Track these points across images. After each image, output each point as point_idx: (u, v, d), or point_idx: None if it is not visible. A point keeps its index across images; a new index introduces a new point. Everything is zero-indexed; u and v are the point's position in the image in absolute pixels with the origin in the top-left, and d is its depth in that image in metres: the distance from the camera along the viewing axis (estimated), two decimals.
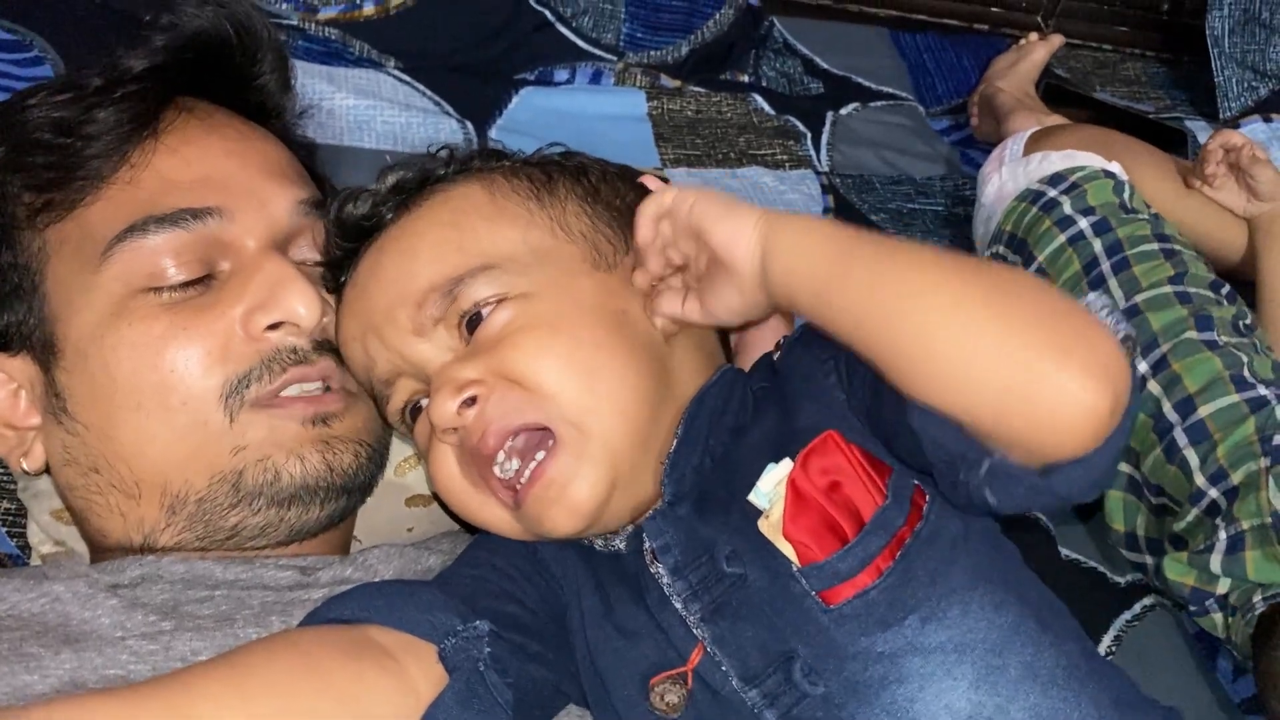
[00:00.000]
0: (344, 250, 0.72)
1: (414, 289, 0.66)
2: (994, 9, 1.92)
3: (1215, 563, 0.94)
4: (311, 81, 1.34)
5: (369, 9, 1.44)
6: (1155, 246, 1.14)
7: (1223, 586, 0.95)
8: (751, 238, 0.60)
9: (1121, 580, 1.10)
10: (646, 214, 0.64)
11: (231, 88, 0.80)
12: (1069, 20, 1.95)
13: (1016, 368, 0.52)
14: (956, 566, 0.59)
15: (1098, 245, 1.15)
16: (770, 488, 0.61)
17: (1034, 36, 1.68)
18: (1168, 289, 1.09)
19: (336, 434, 0.72)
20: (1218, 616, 0.97)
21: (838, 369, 0.63)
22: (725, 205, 0.62)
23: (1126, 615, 1.06)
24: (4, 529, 0.87)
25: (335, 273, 0.73)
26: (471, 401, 0.63)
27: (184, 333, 0.69)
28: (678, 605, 0.61)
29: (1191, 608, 0.98)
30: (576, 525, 0.63)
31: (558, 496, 0.62)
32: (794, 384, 0.65)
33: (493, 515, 0.65)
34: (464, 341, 0.65)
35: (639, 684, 0.62)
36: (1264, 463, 0.95)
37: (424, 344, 0.66)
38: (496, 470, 0.63)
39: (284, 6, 1.41)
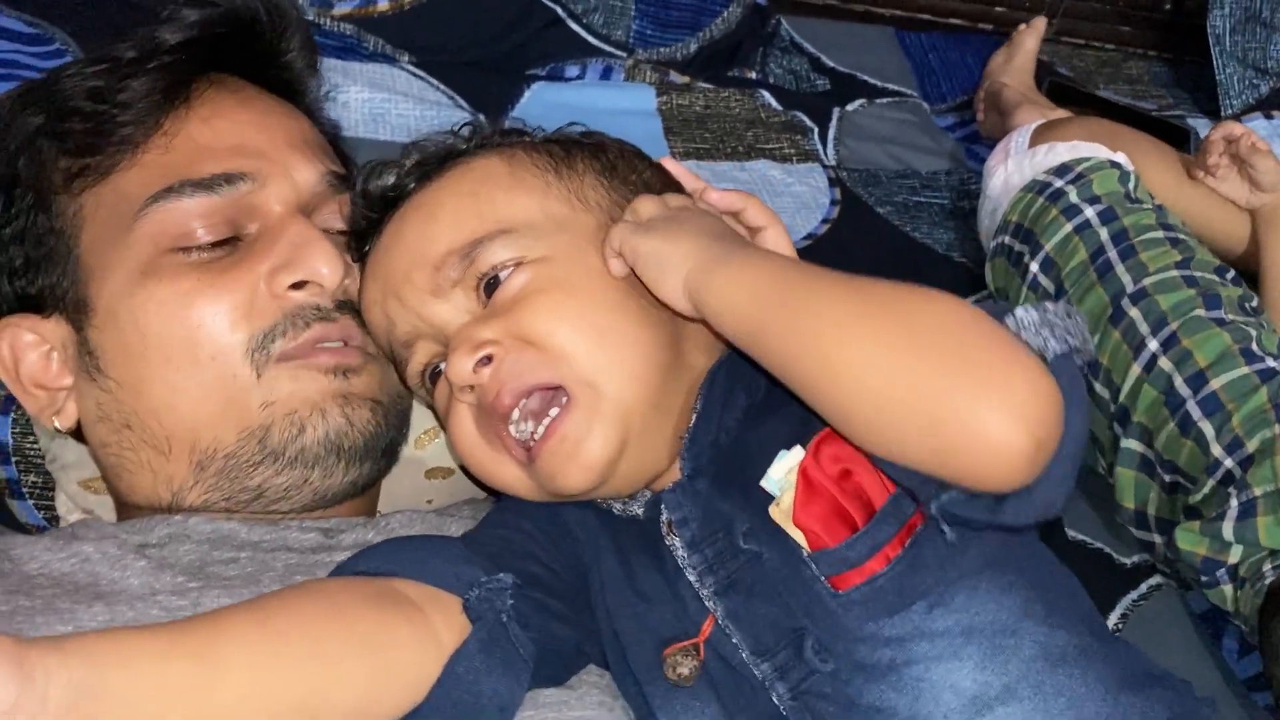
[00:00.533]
0: (369, 220, 0.74)
1: (433, 252, 0.67)
2: (998, 8, 1.94)
3: (1227, 530, 0.95)
4: (326, 75, 1.34)
5: (383, 5, 1.46)
6: (1161, 234, 1.16)
7: (1234, 555, 0.96)
8: (682, 298, 0.63)
9: (1128, 561, 1.11)
10: (608, 254, 0.66)
11: (260, 64, 0.83)
12: (1072, 20, 1.98)
13: (935, 416, 0.53)
14: (968, 554, 0.59)
15: (1104, 233, 1.16)
16: (781, 475, 0.62)
17: (1021, 28, 1.70)
18: (1175, 273, 1.11)
19: (354, 390, 0.73)
20: (1227, 589, 0.98)
21: None
22: (658, 267, 0.64)
23: (1133, 595, 1.07)
24: (32, 501, 0.89)
25: (360, 242, 0.75)
26: (487, 360, 0.64)
27: (211, 289, 0.71)
28: (692, 578, 0.62)
29: (1203, 578, 0.99)
30: (588, 481, 0.64)
31: (571, 452, 0.63)
32: None
33: (508, 474, 0.67)
34: (482, 304, 0.67)
35: (655, 650, 0.63)
36: (1278, 429, 0.96)
37: (442, 305, 0.67)
38: (512, 429, 0.65)
39: (300, 2, 1.43)
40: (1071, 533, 1.12)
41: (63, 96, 0.76)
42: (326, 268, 0.72)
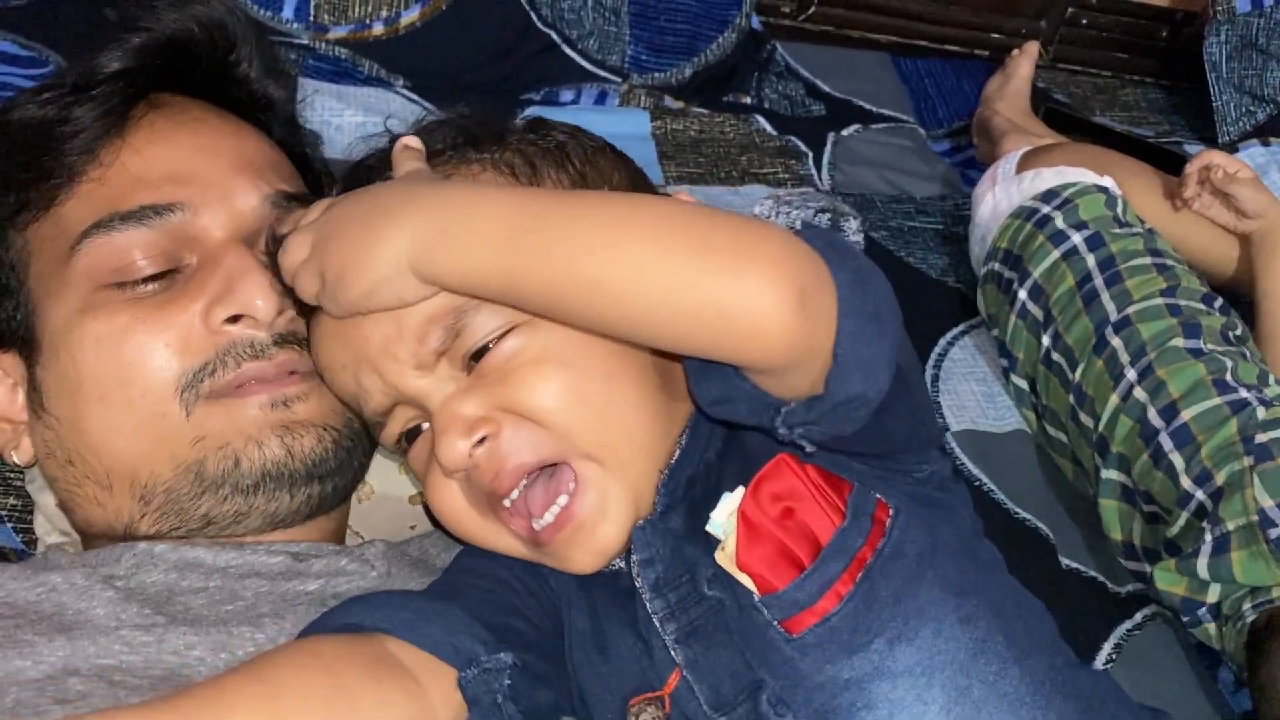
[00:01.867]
0: None
1: (412, 322, 0.61)
2: (994, 35, 1.94)
3: (1202, 567, 0.94)
4: (321, 99, 1.36)
5: (378, 29, 1.47)
6: (1148, 260, 1.15)
7: (1213, 594, 0.95)
8: (423, 291, 0.59)
9: (1122, 590, 1.09)
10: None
11: (210, 84, 0.80)
12: (1068, 46, 1.97)
13: (703, 302, 0.53)
14: (924, 582, 0.58)
15: (1090, 260, 1.16)
16: (724, 518, 0.60)
17: (1015, 53, 1.70)
18: (1159, 301, 1.10)
19: (298, 418, 0.71)
20: (1211, 627, 0.96)
21: None
22: (390, 292, 0.59)
23: (1127, 625, 1.06)
24: (10, 525, 0.88)
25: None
26: (482, 440, 0.61)
27: (144, 325, 0.70)
28: (656, 624, 0.61)
29: (1185, 618, 0.98)
30: (600, 564, 0.63)
31: (585, 539, 0.61)
32: None
33: (506, 544, 0.65)
34: (466, 371, 0.62)
35: (619, 706, 0.62)
36: (1247, 461, 0.95)
37: (426, 379, 0.63)
38: (507, 503, 0.62)
39: (295, 26, 1.44)
40: (1066, 561, 1.10)
41: (6, 130, 0.75)
42: (262, 300, 0.70)
